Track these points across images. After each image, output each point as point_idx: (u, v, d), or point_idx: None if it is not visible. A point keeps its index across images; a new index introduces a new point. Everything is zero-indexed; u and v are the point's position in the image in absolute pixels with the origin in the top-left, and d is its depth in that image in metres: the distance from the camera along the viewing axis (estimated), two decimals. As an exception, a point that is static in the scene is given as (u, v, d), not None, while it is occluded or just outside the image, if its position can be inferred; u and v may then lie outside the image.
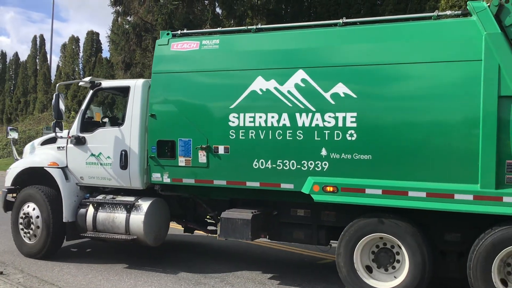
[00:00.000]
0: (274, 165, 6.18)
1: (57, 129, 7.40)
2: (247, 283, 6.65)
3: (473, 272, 5.26)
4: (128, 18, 20.45)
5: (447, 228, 5.73)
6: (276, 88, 6.19)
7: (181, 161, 6.72)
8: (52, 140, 7.88)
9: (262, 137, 6.24)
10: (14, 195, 8.01)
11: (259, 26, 6.74)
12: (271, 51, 6.42)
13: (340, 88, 5.87)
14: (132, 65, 20.82)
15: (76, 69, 45.49)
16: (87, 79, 7.87)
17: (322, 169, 5.94)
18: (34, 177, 7.81)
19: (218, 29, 7.68)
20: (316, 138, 5.96)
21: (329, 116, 5.91)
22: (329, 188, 5.87)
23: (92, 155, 7.41)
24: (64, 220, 7.41)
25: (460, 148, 5.37)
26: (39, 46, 51.20)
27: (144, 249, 7.98)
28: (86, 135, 7.51)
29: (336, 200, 5.89)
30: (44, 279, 6.69)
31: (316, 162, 5.96)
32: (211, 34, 7.18)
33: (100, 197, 7.46)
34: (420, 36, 5.73)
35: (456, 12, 5.93)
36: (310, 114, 5.99)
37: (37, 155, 8.00)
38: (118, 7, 19.85)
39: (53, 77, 46.33)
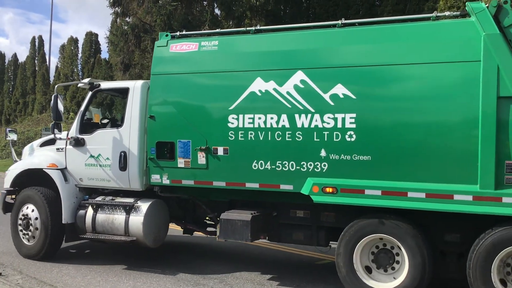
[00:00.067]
0: (274, 166, 6.18)
1: (56, 130, 7.40)
2: (246, 284, 6.65)
3: (473, 272, 5.27)
4: (127, 19, 20.44)
5: (446, 228, 5.73)
6: (275, 89, 6.19)
7: (181, 163, 6.72)
8: (51, 142, 7.88)
9: (261, 138, 6.24)
10: (13, 196, 8.01)
11: (258, 27, 6.74)
12: (270, 52, 6.42)
13: (339, 89, 5.87)
14: (131, 66, 20.82)
15: (75, 70, 45.47)
16: (86, 80, 7.86)
17: (322, 170, 5.94)
18: (33, 178, 7.80)
19: (217, 30, 7.68)
20: (315, 139, 5.97)
21: (328, 117, 5.91)
22: (329, 189, 5.87)
23: (91, 156, 7.41)
24: (63, 222, 7.41)
25: (459, 148, 5.37)
26: (38, 47, 51.18)
27: (143, 250, 7.98)
28: (85, 137, 7.50)
29: (336, 201, 5.89)
30: (43, 280, 6.68)
31: (316, 163, 5.97)
32: (210, 36, 7.18)
33: (99, 198, 7.45)
34: (419, 37, 5.73)
35: (455, 13, 5.93)
36: (309, 115, 6.00)
37: (36, 156, 7.99)
38: (117, 8, 19.83)
39: (52, 78, 46.31)
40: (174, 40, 6.98)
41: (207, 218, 7.61)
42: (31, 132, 35.55)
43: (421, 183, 5.50)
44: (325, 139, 5.91)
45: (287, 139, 6.11)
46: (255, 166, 6.27)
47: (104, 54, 41.16)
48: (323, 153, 5.93)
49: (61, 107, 7.30)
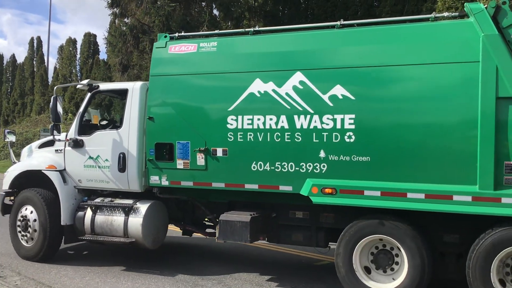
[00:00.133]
0: (273, 167, 6.17)
1: (55, 131, 7.40)
2: (245, 285, 6.64)
3: (472, 272, 5.27)
4: (125, 20, 20.43)
5: (446, 229, 5.74)
6: (274, 90, 6.19)
7: (180, 164, 6.72)
8: (50, 143, 7.86)
9: (260, 139, 6.24)
10: (12, 198, 7.99)
11: (257, 28, 6.74)
12: (269, 53, 6.42)
13: (338, 90, 5.88)
14: (129, 67, 20.81)
15: (73, 71, 45.46)
16: (85, 82, 7.85)
17: (321, 171, 5.94)
18: (32, 180, 7.79)
19: (216, 31, 7.67)
20: (314, 140, 5.96)
21: (328, 118, 5.91)
22: (328, 190, 5.87)
23: (90, 158, 7.40)
24: (62, 223, 7.40)
25: (458, 149, 5.38)
26: (36, 48, 51.17)
27: (142, 252, 7.97)
28: (84, 138, 7.49)
29: (335, 202, 5.88)
30: (41, 281, 6.68)
31: (315, 164, 5.96)
32: (208, 37, 7.18)
33: (98, 200, 7.44)
34: (418, 38, 5.74)
35: (453, 13, 5.94)
36: (308, 116, 5.99)
37: (35, 158, 7.98)
38: (115, 9, 19.81)
39: (50, 79, 46.32)
40: (173, 41, 6.97)
41: (206, 219, 7.61)
42: (29, 133, 35.55)
43: (420, 183, 5.50)
44: (324, 140, 5.91)
45: (286, 140, 6.11)
46: (254, 167, 6.27)
47: (103, 55, 41.30)
48: (322, 154, 5.93)
49: (60, 108, 7.30)
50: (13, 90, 49.82)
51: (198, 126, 6.60)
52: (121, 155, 7.16)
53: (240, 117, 6.34)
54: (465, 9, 5.63)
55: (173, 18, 17.49)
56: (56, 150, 7.74)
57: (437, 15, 5.85)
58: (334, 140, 5.86)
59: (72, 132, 7.60)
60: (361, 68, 5.85)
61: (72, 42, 46.36)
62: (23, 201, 7.74)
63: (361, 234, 5.84)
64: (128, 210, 7.10)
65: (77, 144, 7.49)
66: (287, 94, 6.12)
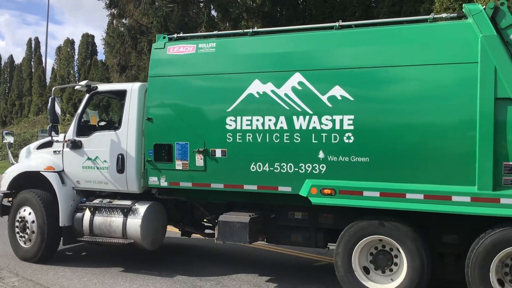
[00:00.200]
0: (272, 168, 6.17)
1: (53, 133, 7.37)
2: (243, 286, 6.64)
3: (471, 271, 5.27)
4: (123, 20, 20.44)
5: (445, 230, 5.74)
6: (273, 91, 6.19)
7: (178, 165, 6.71)
8: (48, 144, 7.85)
9: (259, 140, 6.23)
10: (10, 199, 7.98)
11: (255, 29, 6.74)
12: (268, 54, 6.41)
13: (337, 91, 5.88)
14: (127, 68, 20.81)
15: (71, 71, 45.45)
16: (83, 83, 7.83)
17: (320, 172, 5.94)
18: (30, 181, 7.77)
19: (215, 32, 7.67)
20: (313, 141, 5.96)
21: (326, 119, 5.91)
22: (327, 191, 5.87)
23: (89, 159, 7.38)
24: (60, 225, 7.38)
25: (457, 150, 5.38)
26: (34, 48, 51.13)
27: (140, 253, 7.95)
28: (83, 139, 7.48)
29: (334, 203, 5.88)
30: (39, 282, 6.66)
31: (314, 165, 5.96)
32: (207, 38, 7.18)
33: (96, 201, 7.43)
34: (417, 39, 5.74)
35: (452, 14, 5.94)
36: (307, 117, 5.99)
37: (33, 159, 7.97)
38: (113, 10, 19.83)
39: (48, 80, 46.28)
40: (172, 42, 6.97)
41: (205, 220, 7.60)
42: (27, 134, 35.51)
43: (419, 184, 5.50)
44: (323, 141, 5.91)
45: (285, 141, 6.11)
46: (253, 168, 6.27)
47: (101, 56, 41.26)
48: (321, 154, 5.93)
49: (58, 109, 7.28)
50: (11, 91, 49.74)
51: (197, 127, 6.59)
52: (120, 156, 7.14)
53: (239, 118, 6.33)
54: (463, 10, 5.63)
55: (171, 19, 17.51)
56: (55, 151, 7.72)
57: (436, 16, 5.86)
58: (333, 141, 5.86)
59: (71, 133, 7.58)
60: (360, 69, 5.85)
61: (70, 43, 46.35)
62: (21, 202, 7.72)
63: (361, 234, 5.84)
64: (126, 211, 7.09)
65: (75, 145, 7.48)
66: (286, 95, 6.12)
